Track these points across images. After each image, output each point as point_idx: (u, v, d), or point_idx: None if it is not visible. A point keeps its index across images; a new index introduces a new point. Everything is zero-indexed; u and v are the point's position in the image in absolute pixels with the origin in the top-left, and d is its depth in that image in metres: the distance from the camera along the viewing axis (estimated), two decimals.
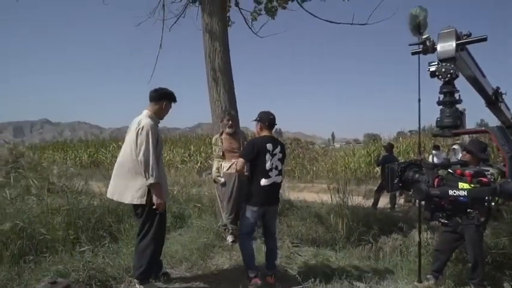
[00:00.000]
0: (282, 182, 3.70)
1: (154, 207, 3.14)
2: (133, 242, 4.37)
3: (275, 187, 3.55)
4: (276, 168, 3.50)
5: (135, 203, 3.16)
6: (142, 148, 3.07)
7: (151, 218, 3.21)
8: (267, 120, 3.58)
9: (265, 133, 3.58)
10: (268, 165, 3.42)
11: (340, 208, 5.63)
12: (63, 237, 4.08)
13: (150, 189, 3.13)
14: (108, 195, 3.33)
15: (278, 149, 3.52)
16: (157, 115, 3.35)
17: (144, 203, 3.14)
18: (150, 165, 3.06)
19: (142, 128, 3.11)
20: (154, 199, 3.12)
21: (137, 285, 3.27)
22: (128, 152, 3.20)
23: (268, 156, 3.42)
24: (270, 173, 3.45)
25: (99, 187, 6.52)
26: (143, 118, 3.22)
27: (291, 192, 8.31)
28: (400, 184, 1.85)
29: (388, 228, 5.43)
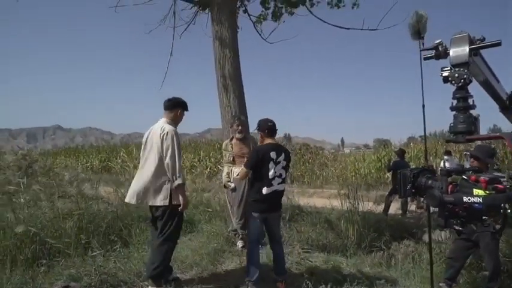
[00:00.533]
0: (284, 189, 3.69)
1: (180, 206, 3.29)
2: (144, 247, 4.41)
3: (277, 195, 3.55)
4: (280, 176, 3.50)
5: (158, 204, 3.29)
6: (169, 152, 3.23)
7: (172, 219, 3.34)
8: (265, 127, 3.59)
9: (268, 141, 3.58)
10: (271, 173, 3.43)
11: (350, 214, 5.58)
12: (75, 241, 4.13)
13: (171, 192, 3.27)
14: (127, 200, 3.45)
15: (282, 157, 3.50)
16: (175, 122, 3.53)
17: (167, 204, 3.27)
18: (177, 167, 3.24)
19: (167, 134, 3.28)
20: (181, 199, 3.29)
21: (150, 287, 3.32)
22: (151, 157, 3.35)
23: (271, 164, 3.43)
24: (273, 182, 3.45)
25: (110, 192, 6.59)
26: (165, 124, 3.40)
27: (300, 198, 8.26)
28: (413, 190, 1.82)
29: (400, 234, 5.36)
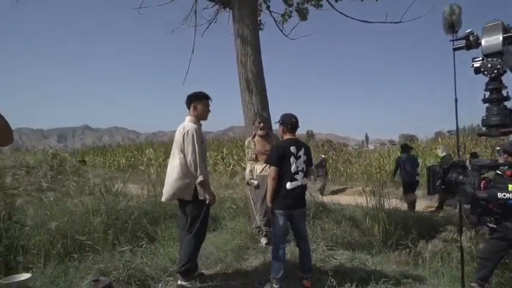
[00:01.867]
0: (306, 184, 3.67)
1: (207, 202, 3.40)
2: (169, 243, 4.50)
3: (300, 190, 3.52)
4: (302, 170, 3.49)
5: (186, 199, 3.40)
6: (190, 150, 3.33)
7: (198, 216, 3.42)
8: (289, 123, 3.59)
9: (288, 136, 3.59)
10: (293, 168, 3.42)
11: (376, 211, 5.46)
12: (104, 237, 4.26)
13: (196, 187, 3.37)
14: (162, 199, 3.59)
15: (302, 151, 3.50)
16: (197, 117, 3.57)
17: (191, 199, 3.38)
18: (198, 164, 3.33)
19: (187, 132, 3.38)
20: (206, 195, 3.39)
21: (179, 281, 3.41)
22: (176, 155, 3.45)
23: (292, 159, 3.43)
24: (296, 176, 3.44)
25: (136, 189, 6.75)
26: (187, 123, 3.49)
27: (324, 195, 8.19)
28: (443, 186, 1.75)
29: (428, 232, 5.19)
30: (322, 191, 12.24)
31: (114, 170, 19.59)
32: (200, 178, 3.32)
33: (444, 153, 9.51)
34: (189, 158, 3.33)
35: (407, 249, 4.56)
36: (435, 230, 5.08)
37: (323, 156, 15.08)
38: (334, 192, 12.54)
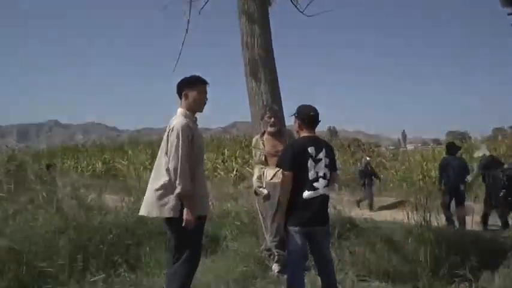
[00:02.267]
0: (329, 194, 3.59)
1: (183, 224, 3.18)
2: (155, 271, 4.44)
3: (322, 201, 3.45)
4: (324, 177, 3.42)
5: (166, 216, 3.23)
6: (172, 152, 3.19)
7: (188, 239, 3.25)
8: (306, 117, 3.54)
9: (305, 133, 3.55)
10: (311, 174, 3.36)
11: (420, 229, 5.32)
12: (70, 263, 4.16)
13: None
14: (140, 213, 3.44)
15: (323, 153, 3.44)
16: (191, 109, 3.46)
17: (177, 216, 3.18)
18: (179, 173, 3.15)
19: (172, 130, 3.26)
20: (184, 213, 3.17)
21: None
22: (161, 158, 3.34)
23: (310, 162, 3.37)
24: (316, 184, 3.37)
25: (115, 200, 6.70)
26: (176, 117, 3.39)
27: (352, 209, 8.05)
28: (510, 198, 1.63)
29: (494, 258, 5.02)
30: (370, 206, 12.17)
31: (88, 176, 19.71)
32: (177, 190, 3.14)
33: (481, 154, 9.29)
34: (170, 162, 3.19)
35: (466, 283, 4.41)
36: (502, 256, 4.91)
37: (368, 158, 14.39)
38: (385, 208, 12.26)
